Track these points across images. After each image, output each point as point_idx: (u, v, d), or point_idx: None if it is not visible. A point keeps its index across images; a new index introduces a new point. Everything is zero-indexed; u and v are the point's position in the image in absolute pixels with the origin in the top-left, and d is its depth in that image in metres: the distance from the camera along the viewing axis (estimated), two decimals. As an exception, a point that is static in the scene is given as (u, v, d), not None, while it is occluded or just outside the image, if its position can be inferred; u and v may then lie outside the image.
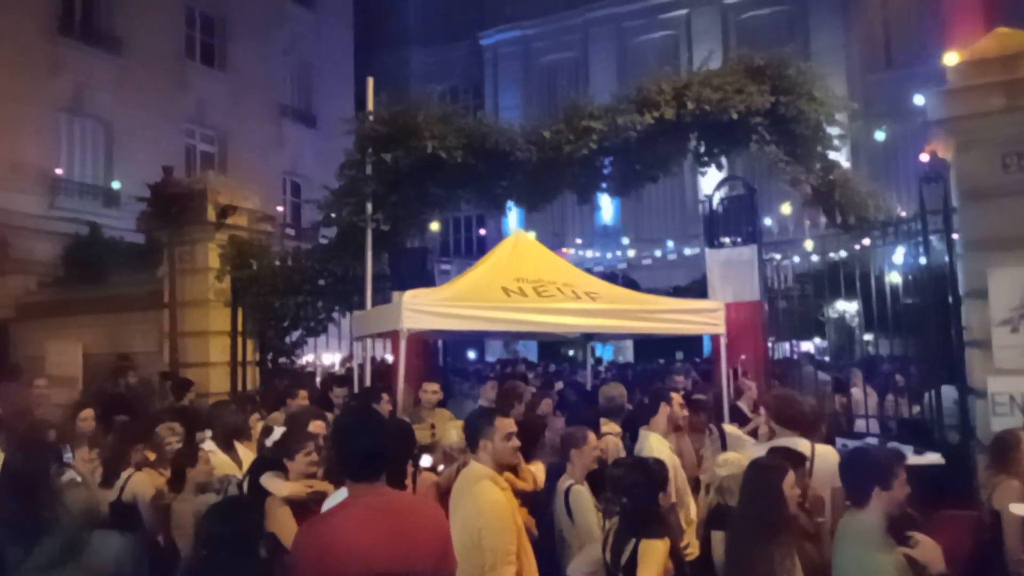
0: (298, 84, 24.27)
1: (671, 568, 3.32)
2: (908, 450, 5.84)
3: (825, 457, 4.26)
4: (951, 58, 6.13)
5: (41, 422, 5.35)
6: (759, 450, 4.47)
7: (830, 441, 5.43)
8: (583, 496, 4.32)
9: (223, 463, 5.12)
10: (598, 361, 16.31)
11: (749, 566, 3.20)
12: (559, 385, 10.44)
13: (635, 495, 3.50)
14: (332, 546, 2.55)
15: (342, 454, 2.84)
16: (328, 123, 21.55)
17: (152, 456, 5.22)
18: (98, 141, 17.91)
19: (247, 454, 5.34)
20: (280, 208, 18.34)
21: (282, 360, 9.83)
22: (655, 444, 4.88)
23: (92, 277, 11.69)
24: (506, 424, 3.68)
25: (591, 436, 4.52)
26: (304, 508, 4.20)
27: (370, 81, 9.19)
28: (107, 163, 17.84)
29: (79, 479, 4.26)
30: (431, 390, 6.37)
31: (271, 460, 4.55)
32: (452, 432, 5.20)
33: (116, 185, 16.86)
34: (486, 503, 3.48)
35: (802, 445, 4.43)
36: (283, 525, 4.22)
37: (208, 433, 5.58)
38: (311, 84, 24.42)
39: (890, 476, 3.23)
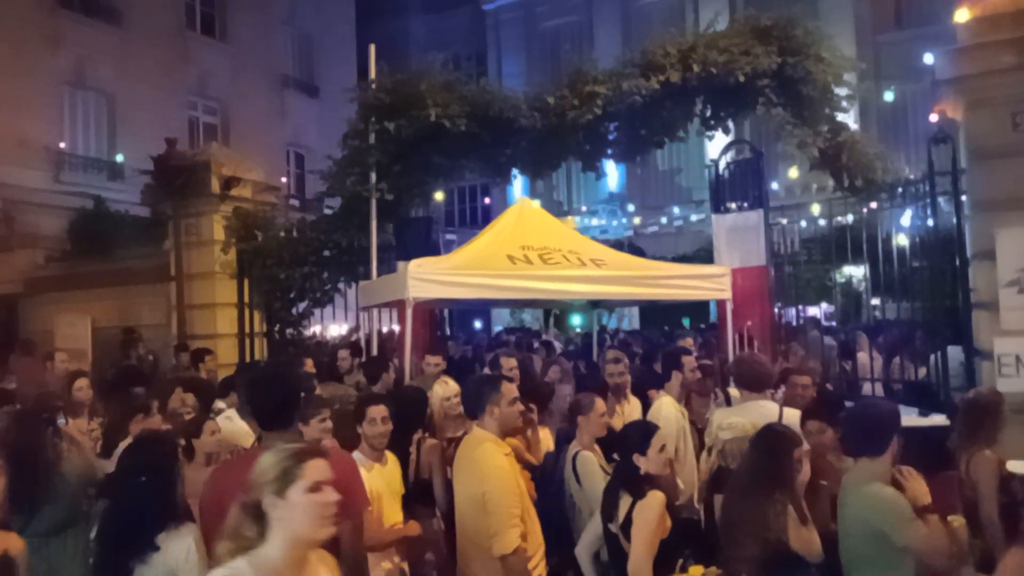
0: (299, 54, 24.05)
1: (669, 524, 3.37)
2: (913, 412, 5.88)
3: (792, 421, 4.30)
4: (962, 15, 6.01)
5: (48, 394, 5.40)
6: (737, 413, 4.52)
7: (837, 405, 5.46)
8: (590, 462, 4.36)
9: (240, 431, 5.16)
10: (603, 329, 16.31)
11: (743, 519, 3.28)
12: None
13: (623, 453, 3.58)
14: (227, 490, 2.80)
15: (252, 405, 3.05)
16: (330, 93, 21.38)
17: (163, 427, 5.25)
18: (101, 114, 17.84)
19: None
20: (284, 179, 18.33)
21: (289, 331, 9.88)
22: (666, 406, 4.93)
23: (99, 251, 11.72)
24: (511, 389, 3.72)
25: (599, 403, 4.55)
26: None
27: (372, 49, 9.10)
28: (110, 136, 17.79)
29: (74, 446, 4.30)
30: (433, 362, 6.40)
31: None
32: (436, 387, 5.29)
33: (120, 158, 16.85)
34: (490, 468, 3.52)
35: (770, 407, 4.47)
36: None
37: (224, 403, 5.62)
38: (312, 54, 24.19)
39: (900, 426, 3.30)
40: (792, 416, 4.38)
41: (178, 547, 2.79)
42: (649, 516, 3.31)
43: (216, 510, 2.83)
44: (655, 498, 3.34)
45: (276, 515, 2.11)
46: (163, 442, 3.36)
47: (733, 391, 5.52)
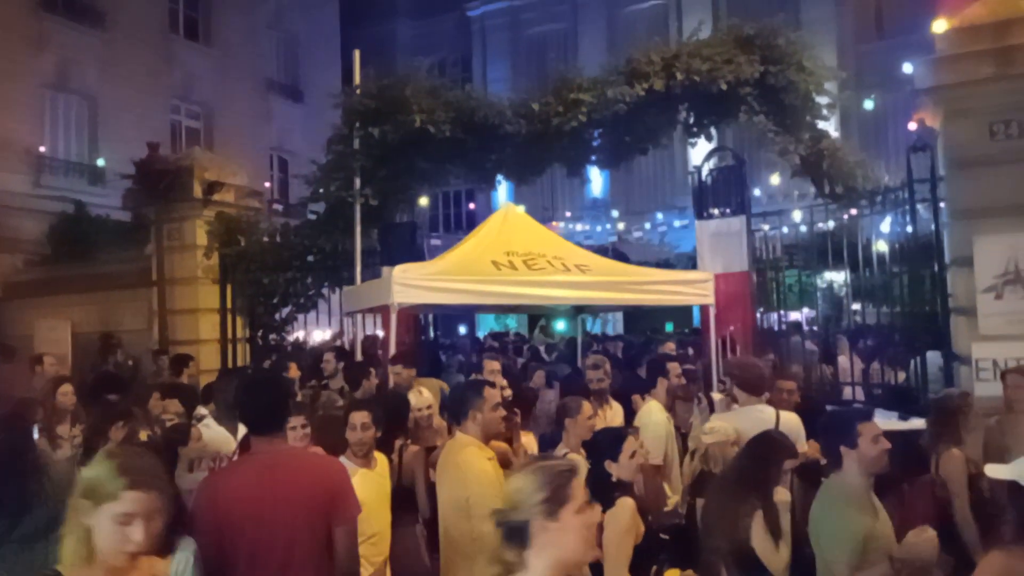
0: (284, 58, 23.94)
1: (642, 530, 3.38)
2: (892, 416, 5.94)
3: (789, 425, 4.33)
4: (940, 25, 6.11)
5: (29, 400, 5.34)
6: (735, 417, 4.55)
7: (818, 409, 5.51)
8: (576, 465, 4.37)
9: (220, 437, 5.12)
10: (586, 334, 16.35)
11: (717, 514, 3.32)
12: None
13: (594, 460, 3.56)
14: (220, 496, 2.86)
15: (242, 410, 3.09)
16: (315, 98, 21.29)
17: (145, 434, 5.21)
18: (83, 118, 17.65)
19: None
20: (267, 184, 18.21)
21: (272, 337, 9.82)
22: (654, 411, 4.92)
23: (79, 255, 11.60)
24: (494, 395, 3.74)
25: (586, 406, 4.56)
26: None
27: (357, 54, 9.10)
28: (92, 140, 17.61)
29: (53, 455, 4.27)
30: (394, 371, 6.34)
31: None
32: (410, 395, 5.26)
33: (101, 162, 16.68)
34: (473, 472, 3.53)
35: (767, 412, 4.51)
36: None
37: (205, 409, 5.58)
38: (297, 58, 24.09)
39: (853, 434, 3.27)
40: (789, 420, 4.39)
41: (178, 557, 2.76)
42: (618, 526, 3.28)
43: (210, 518, 2.81)
44: (624, 506, 3.31)
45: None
46: (159, 451, 3.33)
47: (716, 395, 5.55)
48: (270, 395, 3.05)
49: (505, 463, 4.51)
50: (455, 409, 3.83)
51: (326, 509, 2.88)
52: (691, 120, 8.48)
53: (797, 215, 8.69)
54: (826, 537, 3.20)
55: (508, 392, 5.34)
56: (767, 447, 3.56)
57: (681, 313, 16.62)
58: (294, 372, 7.18)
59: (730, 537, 3.25)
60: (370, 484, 3.97)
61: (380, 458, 4.18)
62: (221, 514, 2.80)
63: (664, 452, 4.72)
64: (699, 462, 4.21)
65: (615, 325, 21.78)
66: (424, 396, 5.42)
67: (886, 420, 5.72)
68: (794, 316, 11.03)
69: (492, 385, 3.92)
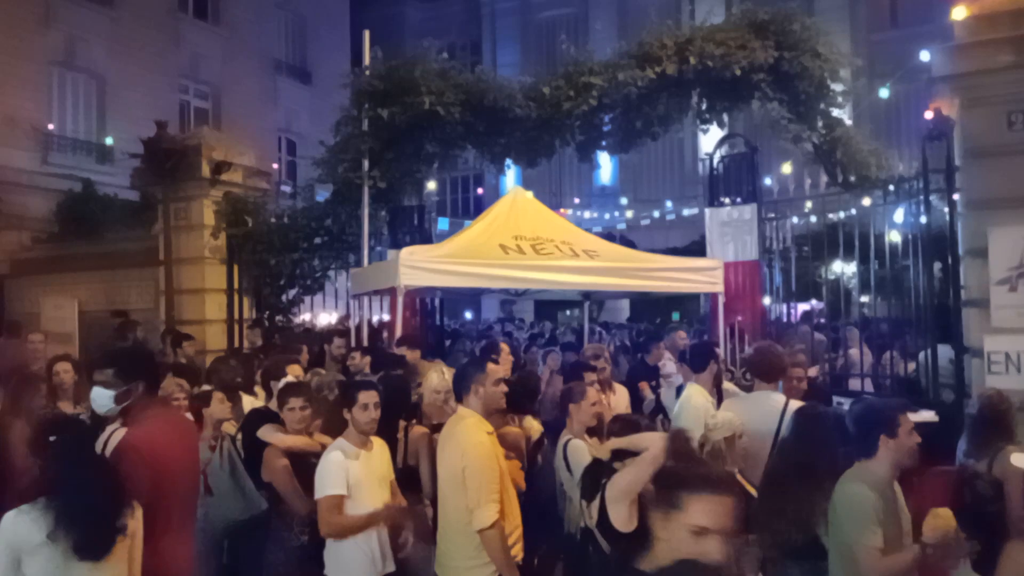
0: (293, 39, 23.83)
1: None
2: (902, 408, 5.88)
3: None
4: (959, 12, 6.00)
5: (31, 377, 5.33)
6: (745, 403, 4.49)
7: (824, 398, 5.47)
8: (580, 450, 4.34)
9: (225, 407, 5.12)
10: (599, 323, 16.31)
11: (786, 505, 3.31)
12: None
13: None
14: (151, 446, 3.20)
15: (133, 375, 3.42)
16: (324, 79, 21.22)
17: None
18: (91, 96, 17.60)
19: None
20: (275, 165, 18.16)
21: (279, 318, 9.81)
22: (694, 395, 4.76)
23: (86, 233, 11.62)
24: (496, 370, 3.78)
25: (590, 392, 4.54)
26: (303, 460, 4.26)
27: (366, 35, 9.03)
28: (100, 118, 17.57)
29: None
30: (399, 352, 6.26)
31: (267, 413, 4.61)
32: (432, 375, 5.23)
33: (109, 141, 16.66)
34: (470, 444, 3.54)
35: (776, 398, 4.47)
36: (281, 477, 4.28)
37: (208, 387, 5.57)
38: (306, 39, 23.98)
39: (895, 424, 3.26)
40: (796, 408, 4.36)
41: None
42: (624, 483, 3.29)
43: (153, 464, 3.13)
44: (610, 489, 3.31)
45: None
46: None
47: (728, 385, 5.51)
48: (151, 363, 3.66)
49: (514, 448, 4.50)
50: (458, 384, 3.84)
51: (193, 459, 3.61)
52: (703, 106, 8.39)
53: (809, 204, 8.60)
54: (843, 506, 3.18)
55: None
56: (812, 426, 3.64)
57: (689, 301, 16.57)
58: (304, 357, 7.08)
59: (805, 528, 3.25)
60: (365, 466, 3.96)
61: (376, 440, 4.17)
62: (160, 463, 3.17)
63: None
64: (707, 457, 4.19)
65: (618, 313, 21.74)
66: (446, 378, 5.39)
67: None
68: (802, 307, 10.97)
69: (495, 360, 3.92)
